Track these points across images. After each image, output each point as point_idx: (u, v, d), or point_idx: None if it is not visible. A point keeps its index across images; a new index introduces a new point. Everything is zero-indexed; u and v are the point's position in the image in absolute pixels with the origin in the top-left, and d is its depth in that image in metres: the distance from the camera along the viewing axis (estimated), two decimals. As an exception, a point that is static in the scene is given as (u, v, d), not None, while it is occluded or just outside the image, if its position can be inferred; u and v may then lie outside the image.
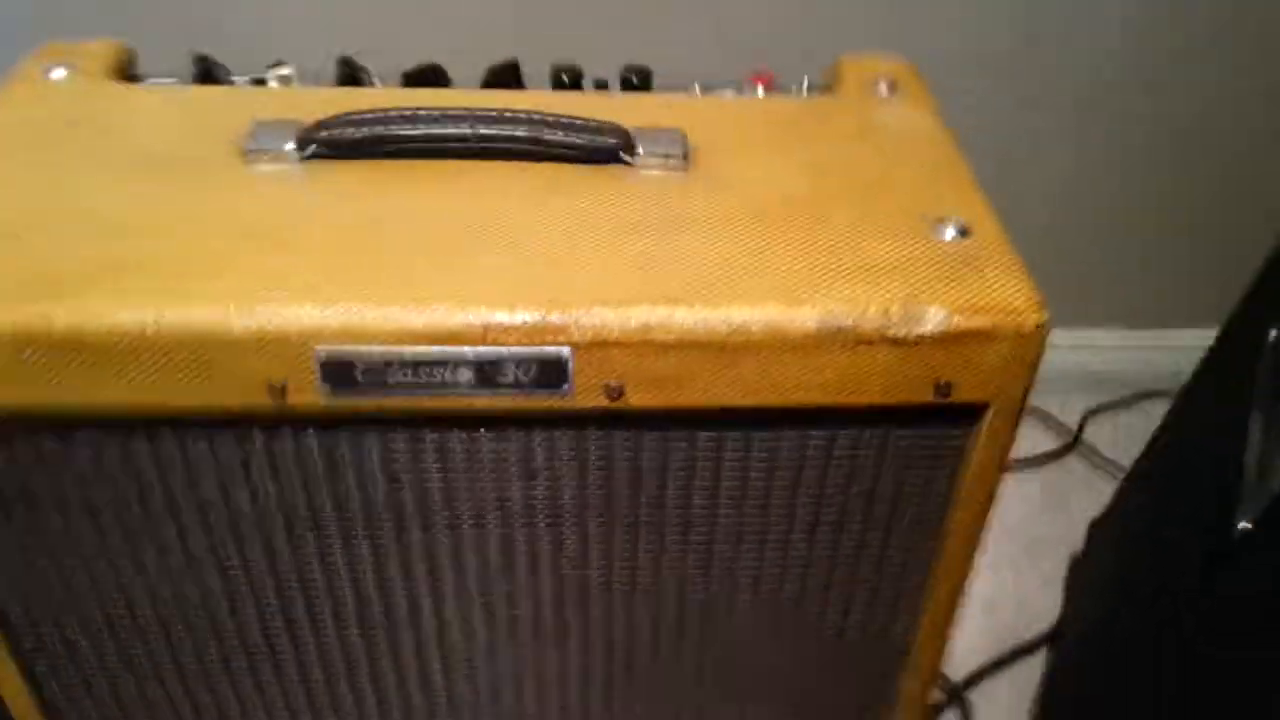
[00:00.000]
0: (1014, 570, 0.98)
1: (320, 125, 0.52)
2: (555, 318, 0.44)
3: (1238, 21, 0.92)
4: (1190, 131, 0.98)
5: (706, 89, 0.61)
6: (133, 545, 0.52)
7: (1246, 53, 0.94)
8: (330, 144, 0.52)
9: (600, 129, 0.52)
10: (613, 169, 0.52)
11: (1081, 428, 1.10)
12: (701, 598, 0.56)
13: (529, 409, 0.47)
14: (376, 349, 0.45)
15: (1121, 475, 1.02)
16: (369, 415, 0.47)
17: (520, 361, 0.45)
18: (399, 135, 0.52)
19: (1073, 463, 1.08)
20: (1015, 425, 0.48)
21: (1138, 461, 0.83)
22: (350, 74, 0.61)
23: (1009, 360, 0.45)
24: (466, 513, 0.52)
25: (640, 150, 0.52)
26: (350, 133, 0.52)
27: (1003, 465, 0.50)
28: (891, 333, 0.45)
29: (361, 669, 0.58)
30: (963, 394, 0.46)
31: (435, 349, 0.45)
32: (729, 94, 0.61)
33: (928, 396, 0.46)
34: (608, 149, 0.52)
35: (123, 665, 0.57)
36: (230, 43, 0.94)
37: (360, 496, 0.51)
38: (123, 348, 0.44)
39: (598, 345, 0.45)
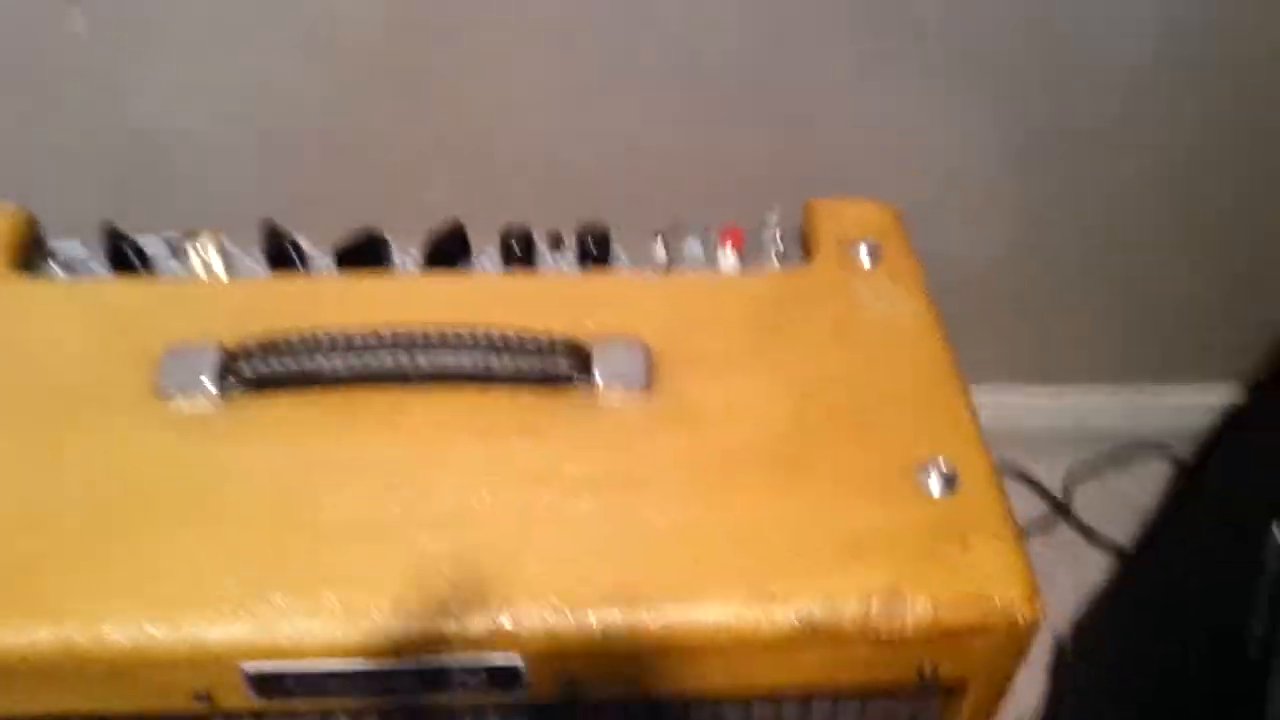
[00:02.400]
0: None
1: (240, 356, 0.47)
2: (505, 625, 0.40)
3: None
4: (1175, 194, 0.93)
5: (673, 242, 0.56)
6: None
7: (1232, 127, 0.88)
8: (252, 380, 0.47)
9: (554, 349, 0.47)
10: (569, 394, 0.48)
11: (1069, 492, 1.05)
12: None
13: (481, 703, 0.43)
14: (308, 664, 0.41)
15: (1108, 546, 0.99)
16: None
17: (468, 669, 0.41)
18: (329, 370, 0.47)
19: (1060, 532, 1.04)
20: (1000, 699, 0.45)
21: (1131, 560, 0.80)
22: (276, 244, 0.56)
23: (997, 650, 0.42)
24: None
25: (598, 373, 0.48)
26: (274, 366, 0.47)
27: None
28: (872, 630, 0.41)
29: None
30: (946, 676, 0.43)
31: (375, 663, 0.41)
32: (696, 248, 0.56)
33: (909, 680, 0.43)
34: (561, 374, 0.47)
35: None
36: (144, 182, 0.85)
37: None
38: (35, 668, 0.40)
39: (552, 652, 0.41)
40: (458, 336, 0.47)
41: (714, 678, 0.42)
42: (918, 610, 0.41)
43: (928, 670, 0.42)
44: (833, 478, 0.45)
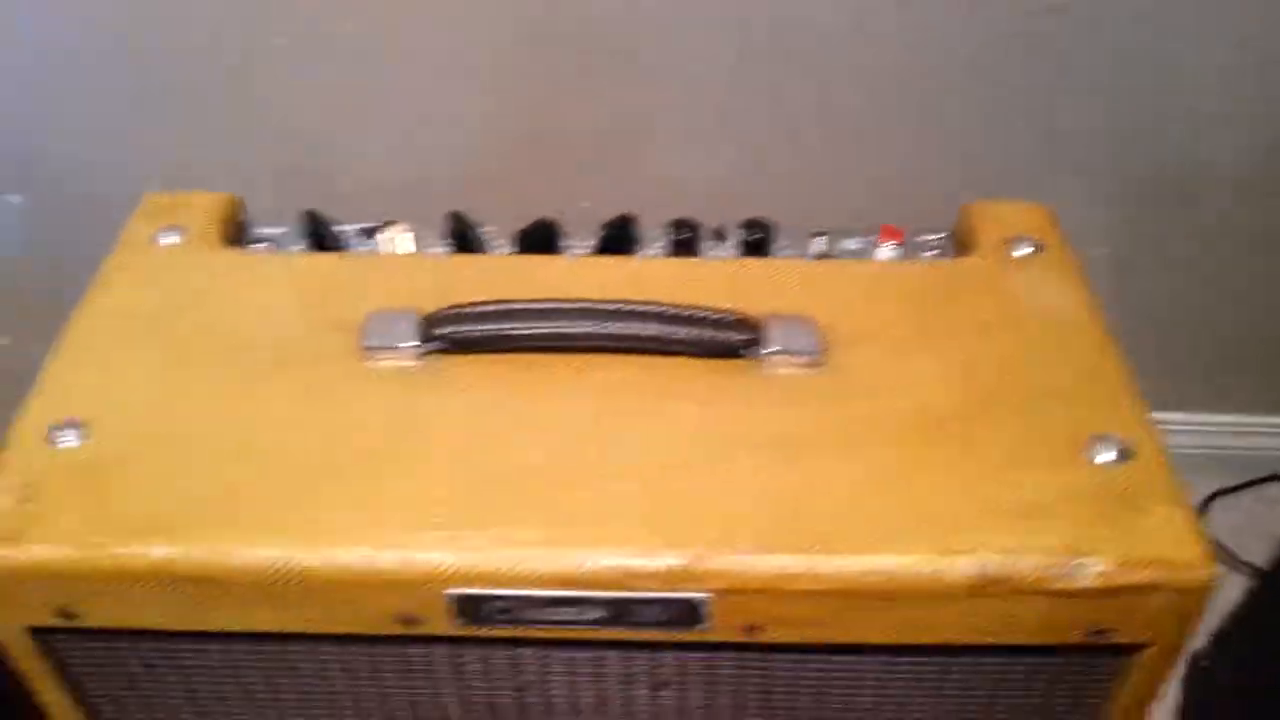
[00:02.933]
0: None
1: (441, 320, 0.51)
2: (695, 565, 0.43)
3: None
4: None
5: (832, 241, 0.59)
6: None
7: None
8: (451, 342, 0.51)
9: (729, 323, 0.50)
10: (742, 364, 0.50)
11: (1207, 510, 1.05)
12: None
13: (661, 640, 0.46)
14: (510, 591, 0.44)
15: (1245, 567, 0.99)
16: (497, 640, 0.47)
17: (655, 604, 0.44)
18: (523, 333, 0.50)
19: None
20: (1172, 663, 0.46)
21: (1267, 577, 0.79)
22: (460, 230, 0.60)
23: (1171, 610, 0.43)
24: (590, 716, 0.51)
25: (771, 345, 0.50)
26: (472, 330, 0.50)
27: (1152, 698, 0.47)
28: (1051, 586, 0.42)
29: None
30: (1120, 638, 0.44)
31: (569, 593, 0.43)
32: (854, 245, 0.59)
33: (1081, 639, 0.44)
34: (736, 345, 0.50)
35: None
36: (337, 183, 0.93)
37: (486, 699, 0.50)
38: (264, 584, 0.44)
39: (736, 592, 0.43)
40: (640, 307, 0.51)
41: (890, 629, 0.44)
42: (1095, 567, 0.42)
43: (1100, 630, 0.44)
44: (1004, 448, 0.46)
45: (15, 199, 0.92)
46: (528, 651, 0.48)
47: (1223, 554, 1.02)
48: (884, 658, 0.47)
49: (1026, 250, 0.56)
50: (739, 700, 0.50)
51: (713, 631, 0.45)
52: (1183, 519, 0.43)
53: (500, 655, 0.48)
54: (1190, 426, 1.07)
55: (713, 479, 0.45)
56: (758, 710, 0.50)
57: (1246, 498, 1.06)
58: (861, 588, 0.43)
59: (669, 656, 0.48)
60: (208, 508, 0.45)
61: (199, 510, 0.45)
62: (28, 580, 0.44)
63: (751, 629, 0.44)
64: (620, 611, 0.44)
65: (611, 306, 0.50)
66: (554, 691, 0.50)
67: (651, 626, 0.44)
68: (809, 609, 0.43)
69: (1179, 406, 1.06)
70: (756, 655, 0.47)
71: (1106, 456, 0.46)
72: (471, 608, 0.44)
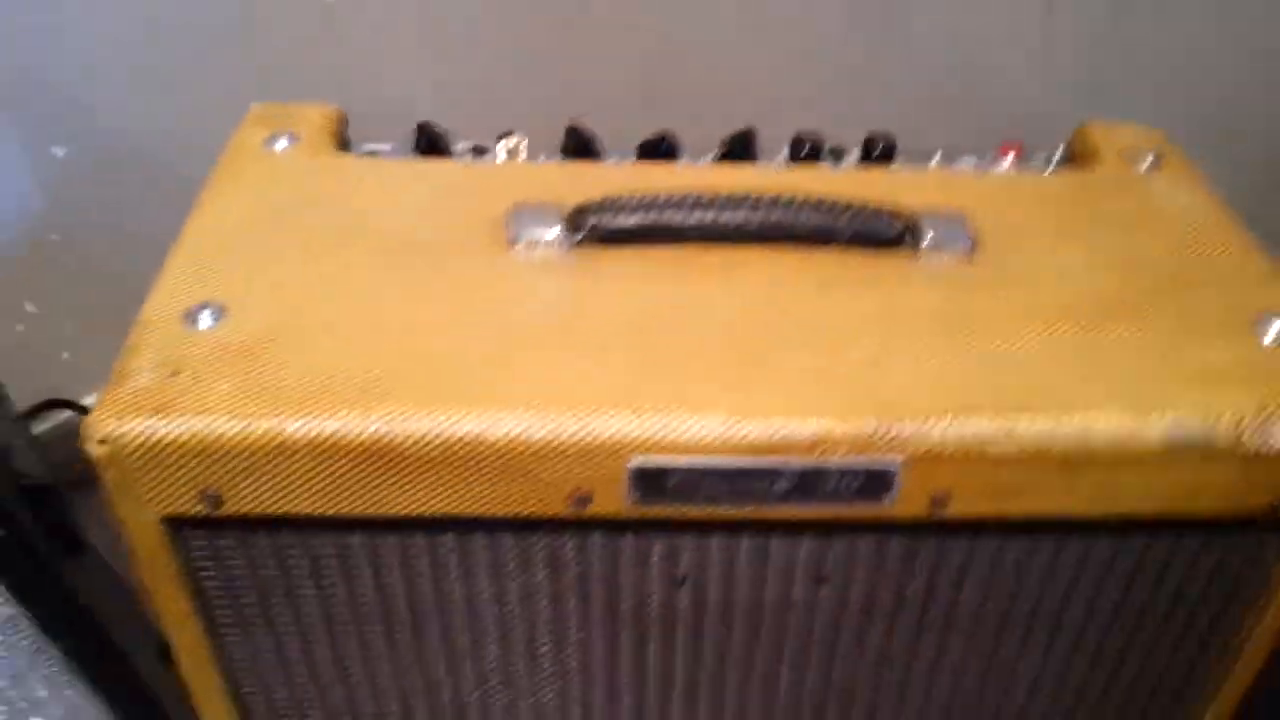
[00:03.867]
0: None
1: (588, 210, 0.50)
2: (889, 429, 0.42)
3: None
4: None
5: (946, 158, 0.59)
6: (393, 647, 0.50)
7: None
8: (601, 232, 0.49)
9: (885, 214, 0.50)
10: (897, 258, 0.50)
11: None
12: (974, 701, 0.53)
13: (842, 518, 0.44)
14: (697, 460, 0.42)
15: None
16: (659, 522, 0.45)
17: (846, 473, 0.42)
18: (677, 223, 0.49)
19: None
20: (1351, 540, 0.46)
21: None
22: (580, 142, 0.59)
23: (1362, 477, 0.43)
24: (741, 617, 0.49)
25: (927, 237, 0.50)
26: (623, 219, 0.49)
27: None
28: (1245, 448, 0.42)
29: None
30: (1304, 508, 0.44)
31: (759, 461, 0.42)
32: (971, 162, 0.59)
33: (1261, 509, 0.44)
34: (894, 236, 0.50)
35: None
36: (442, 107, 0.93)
37: (635, 594, 0.48)
38: (433, 458, 0.42)
39: (930, 458, 0.42)
40: (799, 197, 0.50)
41: (1078, 496, 0.43)
42: (1290, 427, 0.42)
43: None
44: (1175, 326, 0.46)
45: (59, 151, 0.89)
46: (687, 541, 0.46)
47: None
48: (1056, 538, 0.46)
49: (1149, 161, 0.57)
50: (899, 599, 0.48)
51: (897, 506, 0.43)
52: (1363, 378, 0.44)
53: (658, 548, 0.46)
54: None
55: (893, 353, 0.45)
56: (916, 612, 0.49)
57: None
58: (1057, 451, 0.42)
59: (837, 543, 0.46)
60: (370, 383, 0.43)
61: (361, 384, 0.43)
62: (175, 457, 0.42)
63: (937, 501, 0.43)
64: (808, 484, 0.43)
65: (769, 197, 0.50)
66: (708, 589, 0.48)
67: (838, 500, 0.43)
68: (1000, 476, 0.43)
69: None
70: (927, 542, 0.46)
71: (1272, 335, 0.46)
72: (653, 482, 0.43)
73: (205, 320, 0.45)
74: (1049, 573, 0.47)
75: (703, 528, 0.46)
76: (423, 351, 0.44)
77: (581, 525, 0.45)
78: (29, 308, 0.96)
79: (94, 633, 0.58)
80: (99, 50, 0.86)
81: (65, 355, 0.99)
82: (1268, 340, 0.46)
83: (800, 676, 0.52)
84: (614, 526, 0.45)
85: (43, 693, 0.57)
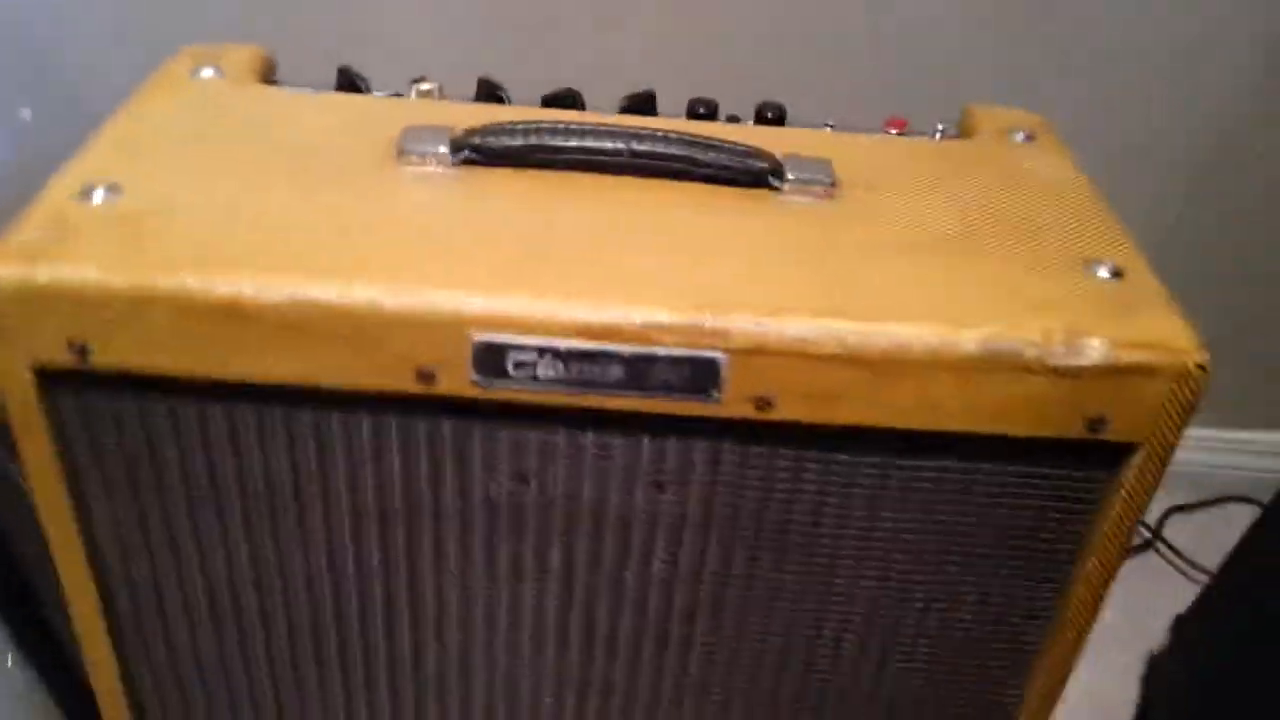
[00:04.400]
0: (1085, 664, 0.96)
1: (474, 131, 0.53)
2: (715, 321, 0.44)
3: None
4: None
5: (838, 131, 0.62)
6: (249, 524, 0.52)
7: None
8: (484, 150, 0.53)
9: (750, 153, 0.53)
10: (760, 193, 0.53)
11: (1161, 526, 1.08)
12: (810, 634, 0.54)
13: (672, 413, 0.46)
14: (532, 340, 0.44)
15: (1199, 574, 1.01)
16: (504, 409, 0.47)
17: (674, 362, 0.45)
18: (553, 146, 0.52)
19: (1151, 560, 1.06)
20: (1162, 472, 0.47)
21: (1226, 563, 0.81)
22: (490, 92, 0.63)
23: (1167, 400, 0.45)
24: (587, 521, 0.51)
25: (789, 176, 0.53)
26: (505, 140, 0.53)
27: (1141, 514, 0.49)
28: (1053, 362, 0.44)
29: (448, 677, 0.57)
30: (1115, 432, 0.46)
31: (592, 344, 0.44)
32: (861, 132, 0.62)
33: (1079, 432, 0.46)
34: (757, 171, 0.53)
35: (215, 649, 0.56)
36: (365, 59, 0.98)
37: (483, 493, 0.50)
38: (289, 321, 0.44)
39: (754, 352, 0.44)
40: (670, 132, 0.53)
41: (896, 408, 0.45)
42: (1095, 346, 0.44)
43: (1097, 420, 0.45)
44: (1009, 261, 0.49)
45: (26, 113, 0.93)
46: (533, 436, 0.48)
47: (1182, 563, 1.05)
48: (880, 459, 0.48)
49: (1023, 136, 0.60)
50: (735, 515, 0.50)
51: (724, 405, 0.46)
52: (1177, 318, 0.46)
53: (505, 436, 0.48)
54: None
55: (736, 266, 0.47)
56: (751, 528, 0.51)
57: (1205, 515, 1.09)
58: (874, 353, 0.44)
59: (673, 447, 0.48)
60: (237, 254, 0.45)
61: (229, 254, 0.45)
62: (47, 302, 0.44)
63: (762, 402, 0.45)
64: (638, 372, 0.45)
65: (642, 129, 0.53)
66: (552, 486, 0.50)
67: (666, 393, 0.45)
68: (820, 378, 0.45)
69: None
70: (758, 453, 0.48)
71: (1103, 274, 0.48)
72: (494, 359, 0.45)
73: (98, 196, 0.48)
74: (877, 492, 0.49)
75: (547, 420, 0.48)
76: (293, 234, 0.47)
77: (431, 409, 0.47)
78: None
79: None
80: (66, 10, 0.91)
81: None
82: (1096, 276, 0.48)
83: (644, 591, 0.53)
84: (462, 413, 0.47)
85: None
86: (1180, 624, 0.87)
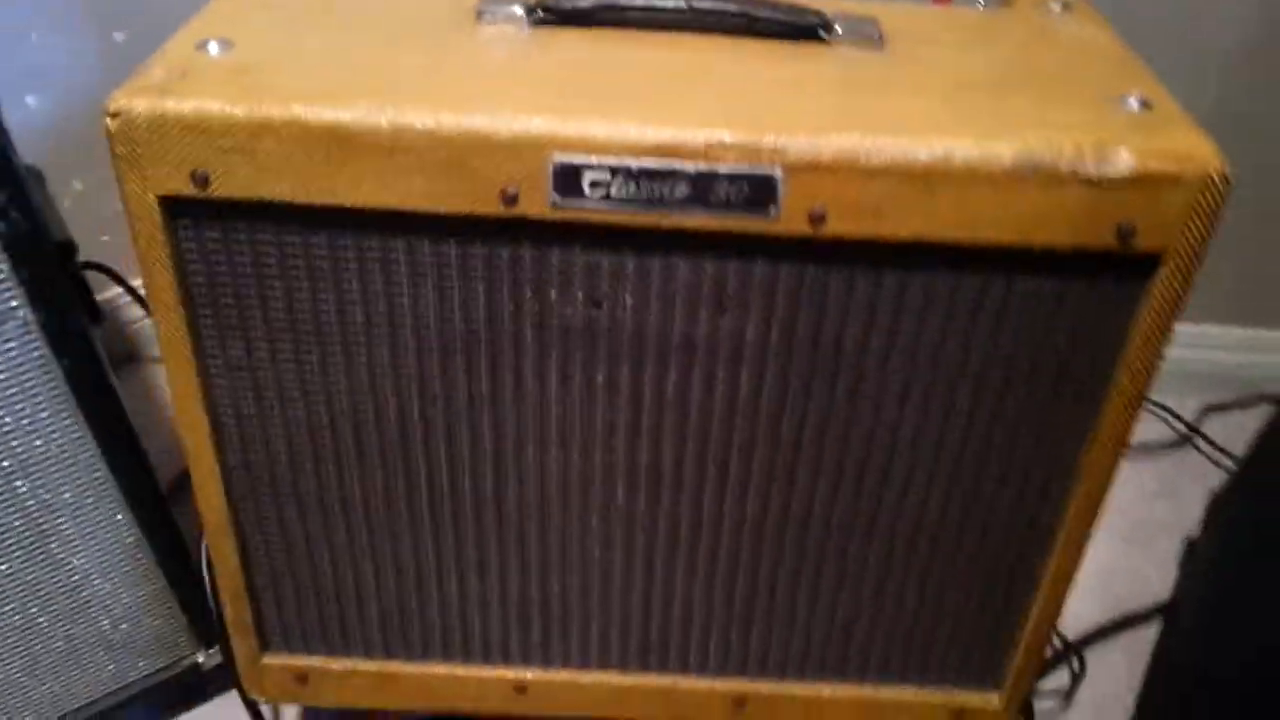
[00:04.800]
0: (1128, 546, 0.99)
1: (546, -4, 0.58)
2: (770, 139, 0.49)
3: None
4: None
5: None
6: (348, 354, 0.57)
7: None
8: (555, 11, 0.57)
9: (802, 9, 0.57)
10: (812, 46, 0.57)
11: (1199, 422, 1.11)
12: (861, 458, 0.59)
13: (736, 231, 0.51)
14: (607, 159, 0.49)
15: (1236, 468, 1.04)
16: (580, 232, 0.52)
17: (735, 179, 0.49)
18: (620, 5, 0.57)
19: (1189, 455, 1.09)
20: (1189, 283, 0.51)
21: (1256, 445, 0.84)
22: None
23: (1191, 207, 0.49)
24: (654, 345, 0.56)
25: (837, 30, 0.57)
26: (574, 1, 0.57)
27: (1170, 326, 0.52)
28: (1083, 171, 0.48)
29: (527, 508, 0.62)
30: (1143, 241, 0.50)
31: (660, 163, 0.49)
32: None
33: (1110, 241, 0.50)
34: (808, 25, 0.57)
35: (314, 484, 0.62)
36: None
37: (559, 318, 0.55)
38: (387, 146, 0.49)
39: (807, 168, 0.49)
40: (726, -7, 0.58)
41: (939, 219, 0.49)
42: (1123, 157, 0.48)
43: (1126, 228, 0.49)
44: (1045, 97, 0.53)
45: (119, 36, 1.00)
46: (605, 261, 0.53)
47: (1219, 456, 1.08)
48: (925, 275, 0.52)
49: (1060, 6, 0.63)
50: (790, 337, 0.55)
51: (781, 221, 0.50)
52: (1200, 136, 0.50)
53: (579, 260, 0.53)
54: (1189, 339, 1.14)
55: (791, 97, 0.52)
56: (806, 352, 0.55)
57: (1242, 413, 1.12)
58: (919, 166, 0.48)
59: (733, 268, 0.53)
60: (339, 89, 0.51)
61: (331, 89, 0.51)
62: (174, 133, 0.50)
63: (816, 218, 0.50)
64: (702, 189, 0.49)
65: (700, -10, 0.57)
66: (622, 311, 0.54)
67: (727, 210, 0.50)
68: (869, 191, 0.49)
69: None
70: (813, 274, 0.53)
71: (1132, 104, 0.52)
72: (571, 178, 0.50)
73: (214, 49, 0.54)
74: (924, 310, 0.53)
75: (618, 244, 0.52)
76: (388, 75, 0.52)
77: (514, 234, 0.52)
78: (76, 185, 1.07)
79: (96, 364, 0.66)
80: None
81: (105, 238, 1.09)
82: (1125, 107, 0.52)
83: (707, 418, 0.58)
84: (541, 237, 0.52)
85: (45, 412, 0.65)
86: (1214, 504, 0.89)
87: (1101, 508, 0.60)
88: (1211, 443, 1.09)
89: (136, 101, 0.50)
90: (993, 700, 0.69)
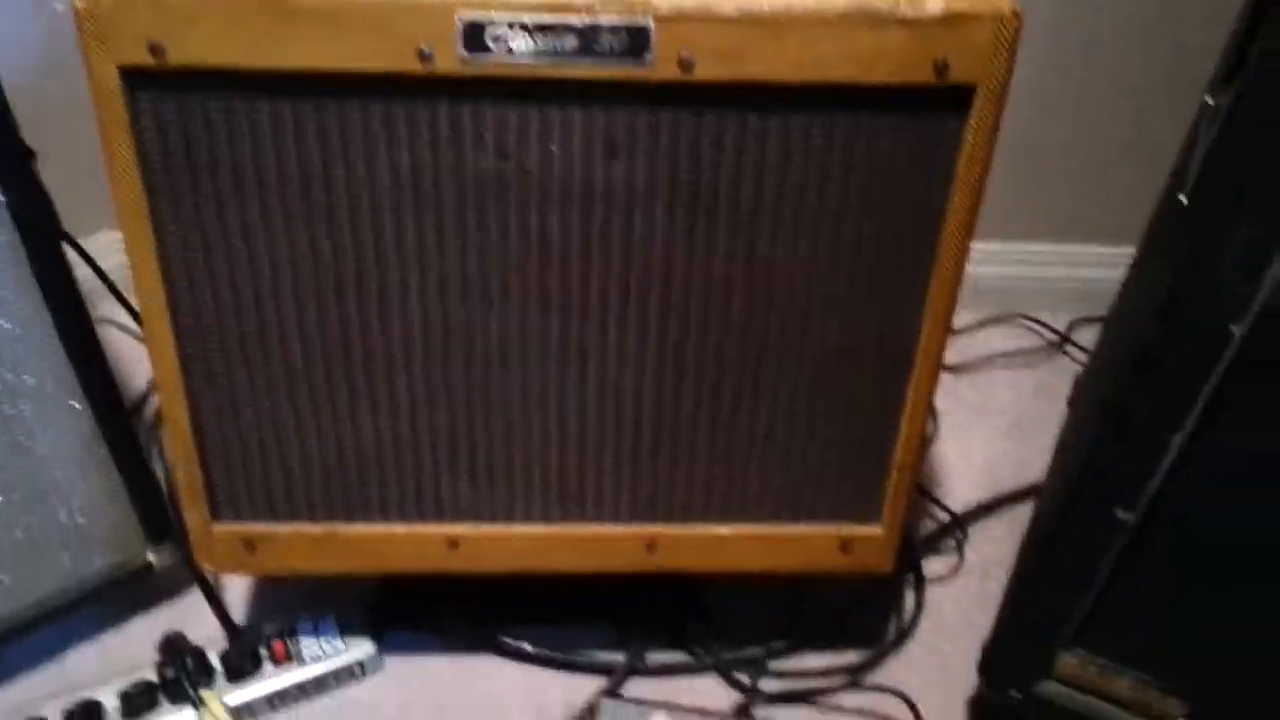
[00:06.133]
0: (1009, 441, 1.09)
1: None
2: (644, -5, 0.58)
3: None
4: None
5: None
6: (288, 214, 0.65)
7: None
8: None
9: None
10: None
11: (1070, 330, 1.22)
12: (745, 293, 0.68)
13: (618, 79, 0.60)
14: (506, 15, 0.58)
15: None
16: (487, 85, 0.60)
17: (614, 29, 0.58)
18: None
19: (1062, 360, 1.20)
20: (999, 111, 0.61)
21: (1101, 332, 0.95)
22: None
23: (993, 43, 0.59)
24: (557, 192, 0.64)
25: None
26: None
27: (990, 151, 0.63)
28: (901, 14, 0.58)
29: (449, 341, 0.70)
30: (957, 73, 0.60)
31: (551, 17, 0.58)
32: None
33: (930, 76, 0.60)
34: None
35: (258, 337, 0.69)
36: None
37: (474, 168, 0.63)
38: (320, 11, 0.58)
39: (674, 18, 0.58)
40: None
41: (791, 61, 0.59)
42: (934, 3, 0.58)
43: (942, 64, 0.59)
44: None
45: (59, 5, 1.07)
46: (512, 114, 0.62)
47: (1086, 358, 1.20)
48: (782, 117, 0.62)
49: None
50: (673, 180, 0.64)
51: (656, 68, 0.59)
52: (998, -12, 0.60)
53: (489, 114, 0.62)
54: (1058, 256, 1.25)
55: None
56: (687, 194, 0.64)
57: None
58: (764, 13, 0.58)
59: (620, 116, 0.62)
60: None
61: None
62: (133, 6, 0.58)
63: (685, 64, 0.59)
64: (588, 40, 0.59)
65: None
66: (529, 160, 0.63)
67: (610, 58, 0.59)
68: (726, 37, 0.58)
69: (1049, 237, 1.24)
70: (688, 119, 0.62)
71: (947, -29, 0.63)
72: (476, 35, 0.58)
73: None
74: (784, 146, 0.63)
75: (521, 96, 0.61)
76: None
77: (430, 92, 0.61)
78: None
79: (57, 248, 0.72)
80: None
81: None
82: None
83: (607, 257, 0.66)
84: (454, 93, 0.61)
85: (9, 292, 0.71)
86: (1077, 380, 1.00)
87: (947, 332, 0.69)
88: (1082, 349, 1.21)
89: (97, -22, 0.58)
90: (875, 530, 0.78)
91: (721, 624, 0.90)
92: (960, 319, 1.24)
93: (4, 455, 0.76)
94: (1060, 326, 1.24)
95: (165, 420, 0.73)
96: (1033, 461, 1.07)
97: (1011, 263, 1.25)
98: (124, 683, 0.82)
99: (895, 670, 0.88)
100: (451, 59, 0.59)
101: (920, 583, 0.94)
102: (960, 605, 0.93)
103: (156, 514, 0.86)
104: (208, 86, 0.61)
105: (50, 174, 0.73)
